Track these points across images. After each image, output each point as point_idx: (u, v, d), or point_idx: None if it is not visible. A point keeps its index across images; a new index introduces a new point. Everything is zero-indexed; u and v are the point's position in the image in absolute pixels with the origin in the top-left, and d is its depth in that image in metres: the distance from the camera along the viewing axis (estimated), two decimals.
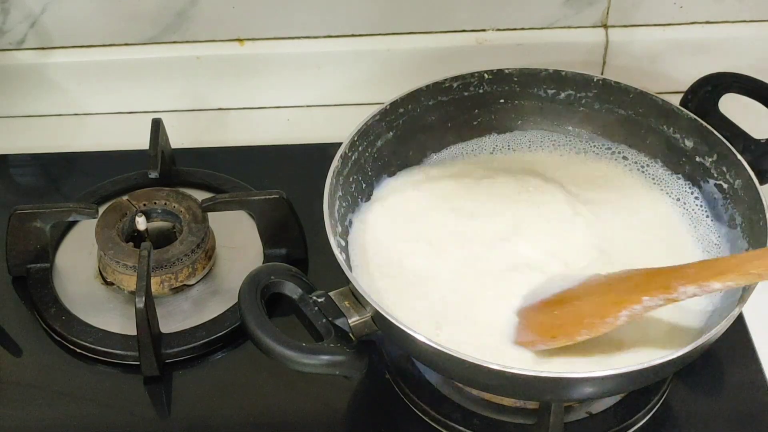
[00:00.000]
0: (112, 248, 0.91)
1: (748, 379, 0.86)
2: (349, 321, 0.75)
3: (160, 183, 0.97)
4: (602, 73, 1.11)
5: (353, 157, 0.87)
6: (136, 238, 0.94)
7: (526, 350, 0.77)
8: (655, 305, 0.73)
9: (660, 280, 0.74)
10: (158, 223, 0.95)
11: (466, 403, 0.84)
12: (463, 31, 1.09)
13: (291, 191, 0.94)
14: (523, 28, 1.09)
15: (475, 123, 0.94)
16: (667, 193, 0.90)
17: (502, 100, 0.94)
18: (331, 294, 0.77)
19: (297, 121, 1.13)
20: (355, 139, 0.87)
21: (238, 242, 0.97)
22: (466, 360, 0.70)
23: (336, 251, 0.78)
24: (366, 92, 1.11)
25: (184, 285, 0.93)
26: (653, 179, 0.91)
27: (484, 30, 1.09)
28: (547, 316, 0.78)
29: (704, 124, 0.87)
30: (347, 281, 0.76)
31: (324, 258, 0.81)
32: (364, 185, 0.89)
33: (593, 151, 0.94)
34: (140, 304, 0.83)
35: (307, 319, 0.77)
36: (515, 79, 0.93)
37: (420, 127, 0.92)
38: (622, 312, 0.74)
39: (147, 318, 0.84)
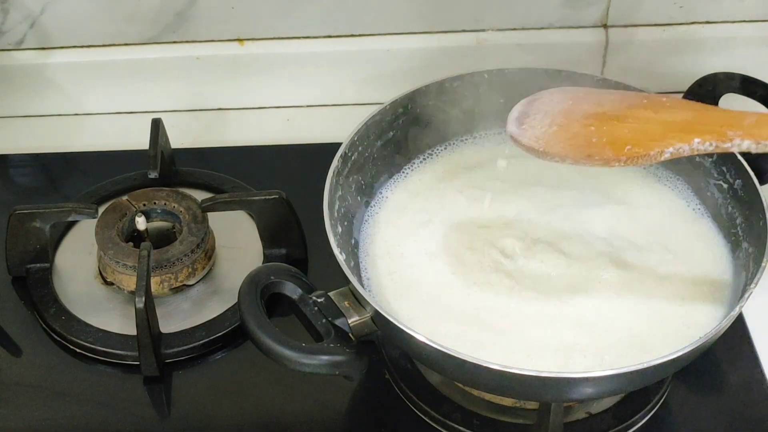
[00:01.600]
0: (111, 248, 0.91)
1: (748, 379, 0.86)
2: (349, 321, 0.75)
3: (160, 183, 0.97)
4: (602, 73, 1.11)
5: (353, 157, 0.87)
6: (136, 238, 0.94)
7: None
8: (704, 150, 0.69)
9: (714, 124, 0.70)
10: (158, 223, 0.95)
11: (466, 403, 0.84)
12: (463, 31, 1.09)
13: (291, 191, 0.94)
14: (523, 28, 1.09)
15: (475, 123, 0.94)
16: (670, 188, 0.90)
17: (502, 100, 0.94)
18: (330, 294, 0.77)
19: (297, 121, 1.13)
20: (355, 139, 0.87)
21: (238, 242, 0.97)
22: (466, 360, 0.70)
23: (336, 251, 0.78)
24: (366, 92, 1.11)
25: (184, 285, 0.93)
26: (655, 177, 0.91)
27: (484, 30, 1.09)
28: (584, 129, 0.73)
29: None
30: (347, 281, 0.76)
31: (324, 258, 0.80)
32: (364, 185, 0.89)
33: None
34: (140, 304, 0.83)
35: (307, 319, 0.77)
36: (515, 79, 0.93)
37: (420, 127, 0.92)
38: (668, 149, 0.70)
39: (147, 318, 0.84)
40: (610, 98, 0.76)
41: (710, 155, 0.86)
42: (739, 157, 0.84)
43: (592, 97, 0.76)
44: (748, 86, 0.90)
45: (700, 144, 0.69)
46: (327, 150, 0.85)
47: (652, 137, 0.70)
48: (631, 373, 0.71)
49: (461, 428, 0.82)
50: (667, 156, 0.70)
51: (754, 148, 0.68)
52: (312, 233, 0.95)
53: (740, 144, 0.68)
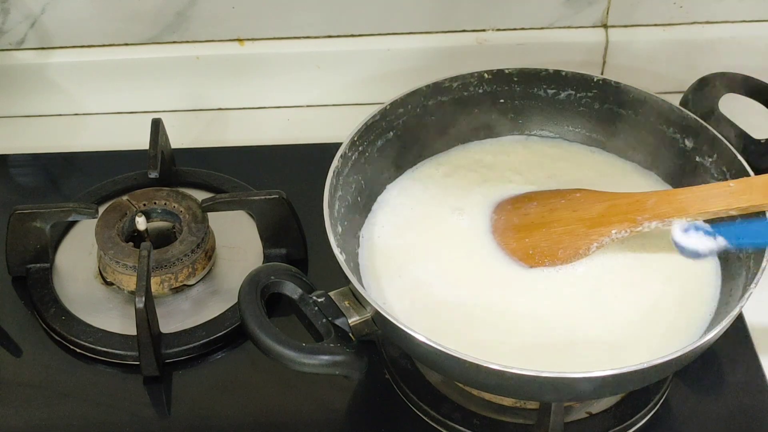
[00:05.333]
0: (112, 248, 0.91)
1: (748, 379, 0.86)
2: (349, 321, 0.75)
3: (160, 183, 0.97)
4: (602, 73, 1.11)
5: (353, 157, 0.87)
6: (136, 238, 0.94)
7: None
8: (621, 237, 0.81)
9: (625, 213, 0.81)
10: (158, 223, 0.95)
11: (466, 403, 0.84)
12: (463, 31, 1.09)
13: (291, 191, 0.94)
14: (523, 28, 1.09)
15: (475, 123, 0.94)
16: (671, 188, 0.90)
17: (502, 100, 0.94)
18: (331, 294, 0.77)
19: (297, 121, 1.13)
20: (355, 139, 0.87)
21: (238, 242, 0.97)
22: (466, 360, 0.70)
23: (336, 251, 0.78)
24: (366, 92, 1.11)
25: (184, 285, 0.93)
26: (653, 179, 0.91)
27: (484, 30, 1.09)
28: (523, 242, 0.84)
29: (704, 124, 0.87)
30: (347, 281, 0.76)
31: (324, 258, 0.81)
32: (364, 185, 0.89)
33: (593, 152, 0.94)
34: (140, 304, 0.83)
35: (307, 319, 0.77)
36: (515, 79, 0.93)
37: (420, 127, 0.92)
38: (593, 244, 0.82)
39: (147, 318, 0.84)
40: (533, 205, 0.86)
41: (711, 155, 0.86)
42: (739, 157, 0.84)
43: (519, 209, 0.86)
44: (749, 86, 0.90)
45: (617, 233, 0.81)
46: (327, 150, 0.85)
47: (577, 238, 0.82)
48: (631, 373, 0.71)
49: (461, 428, 0.82)
50: (593, 249, 0.82)
51: (661, 226, 0.80)
52: (312, 233, 0.95)
53: (649, 225, 0.80)
